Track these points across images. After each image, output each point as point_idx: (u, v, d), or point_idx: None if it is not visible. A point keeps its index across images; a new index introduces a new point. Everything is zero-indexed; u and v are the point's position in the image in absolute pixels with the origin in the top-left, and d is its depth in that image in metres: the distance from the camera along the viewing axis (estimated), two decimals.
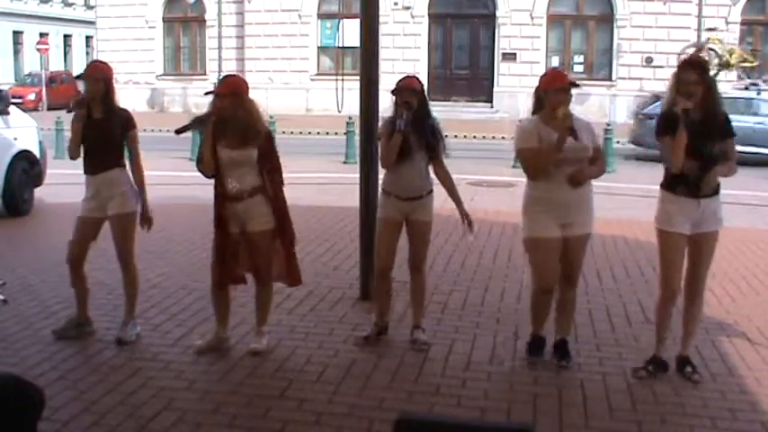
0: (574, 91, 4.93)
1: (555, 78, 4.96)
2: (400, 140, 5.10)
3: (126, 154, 5.43)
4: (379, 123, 5.79)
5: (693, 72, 4.70)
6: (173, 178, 12.40)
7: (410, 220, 5.32)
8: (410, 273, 5.53)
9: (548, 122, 4.80)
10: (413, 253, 5.43)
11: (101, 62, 5.85)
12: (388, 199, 5.32)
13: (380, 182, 5.52)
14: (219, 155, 5.00)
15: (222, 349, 5.25)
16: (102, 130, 5.28)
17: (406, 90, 5.20)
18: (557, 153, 4.72)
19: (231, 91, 5.04)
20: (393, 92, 5.22)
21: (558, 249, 4.93)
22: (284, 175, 5.29)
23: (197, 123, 5.08)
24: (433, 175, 5.39)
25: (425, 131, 5.24)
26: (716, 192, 4.82)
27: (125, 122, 5.38)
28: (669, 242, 4.85)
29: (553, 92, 4.80)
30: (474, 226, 5.44)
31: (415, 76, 5.48)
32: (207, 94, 5.25)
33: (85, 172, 5.42)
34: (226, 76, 5.47)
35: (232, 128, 4.98)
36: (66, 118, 5.78)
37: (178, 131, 5.21)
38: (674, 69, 4.85)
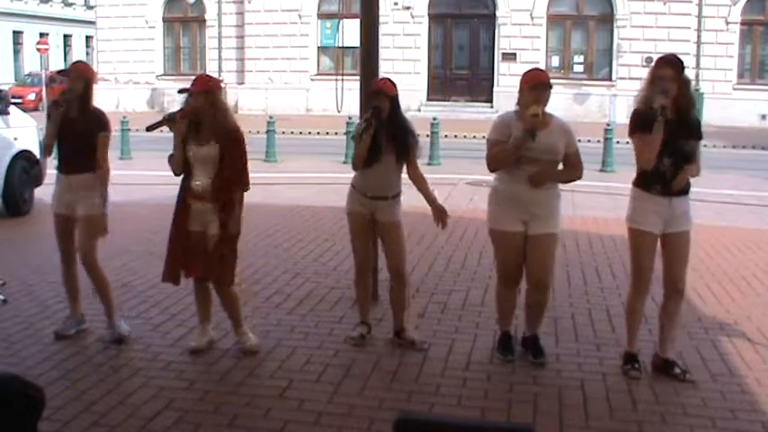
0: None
1: (532, 77, 4.96)
2: (368, 143, 5.12)
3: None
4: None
5: (670, 69, 4.72)
6: (172, 178, 12.38)
7: (377, 221, 5.33)
8: (390, 280, 5.51)
9: (521, 118, 4.84)
10: (388, 256, 5.42)
11: (82, 63, 5.92)
12: (354, 193, 5.36)
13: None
14: (188, 152, 5.03)
15: (209, 347, 5.25)
16: (76, 130, 5.32)
17: (379, 93, 5.23)
18: (515, 150, 4.76)
19: (204, 89, 5.05)
20: (368, 94, 5.25)
21: (519, 245, 4.95)
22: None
23: (167, 120, 5.11)
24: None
25: (396, 134, 5.24)
26: (686, 191, 4.85)
27: (97, 124, 5.39)
28: (641, 240, 4.87)
29: (527, 89, 4.84)
30: (447, 219, 5.39)
31: (388, 79, 5.45)
32: (180, 91, 5.30)
33: (58, 169, 5.47)
34: (199, 76, 5.50)
35: (202, 126, 5.01)
36: None
37: (149, 128, 5.26)
38: (651, 68, 4.86)
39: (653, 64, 4.87)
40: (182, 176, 5.17)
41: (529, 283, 5.11)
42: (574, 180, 5.15)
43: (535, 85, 4.84)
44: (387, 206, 5.30)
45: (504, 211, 4.97)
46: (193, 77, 5.20)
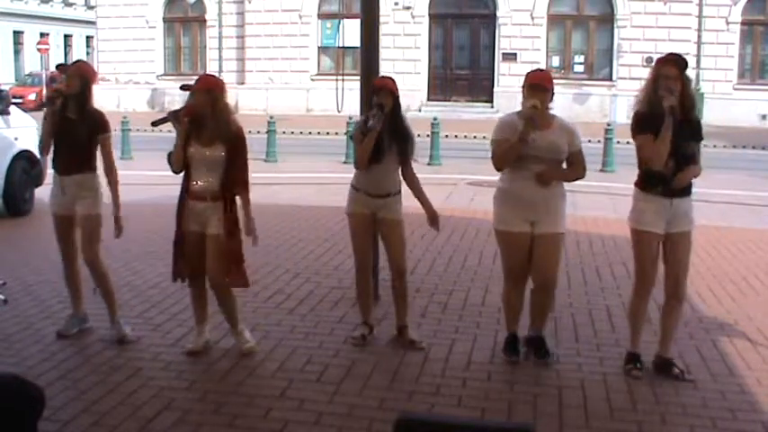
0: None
1: (533, 77, 4.98)
2: (374, 140, 5.12)
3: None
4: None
5: (675, 68, 4.71)
6: (172, 178, 12.38)
7: (379, 219, 5.34)
8: (391, 277, 5.53)
9: (522, 117, 4.86)
10: (390, 254, 5.44)
11: (84, 62, 5.89)
12: (357, 194, 5.36)
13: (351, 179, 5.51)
14: (189, 152, 5.03)
15: (206, 349, 5.25)
16: (73, 131, 5.31)
17: (383, 91, 5.23)
18: (520, 144, 4.75)
19: (205, 88, 5.05)
20: (371, 92, 5.26)
21: (526, 245, 4.96)
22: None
23: (173, 117, 5.11)
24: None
25: (397, 134, 5.27)
26: (688, 192, 4.85)
27: (96, 125, 5.37)
28: (643, 241, 4.88)
29: (529, 88, 4.86)
30: (438, 223, 5.46)
31: (390, 78, 5.47)
32: (182, 87, 5.30)
33: (54, 170, 5.47)
34: (202, 75, 5.49)
35: (204, 125, 5.00)
36: None
37: (154, 123, 5.29)
38: (653, 67, 4.85)
39: (655, 63, 4.85)
40: (182, 176, 5.17)
41: (534, 283, 5.12)
42: (577, 179, 5.15)
43: (533, 85, 4.85)
44: (389, 204, 5.31)
45: (509, 212, 4.97)
46: (195, 77, 5.20)
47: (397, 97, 5.30)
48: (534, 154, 4.81)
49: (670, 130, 4.60)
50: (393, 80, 5.39)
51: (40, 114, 5.55)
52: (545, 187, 4.88)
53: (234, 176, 5.03)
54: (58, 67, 5.87)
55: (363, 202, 5.33)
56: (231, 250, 5.08)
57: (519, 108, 5.02)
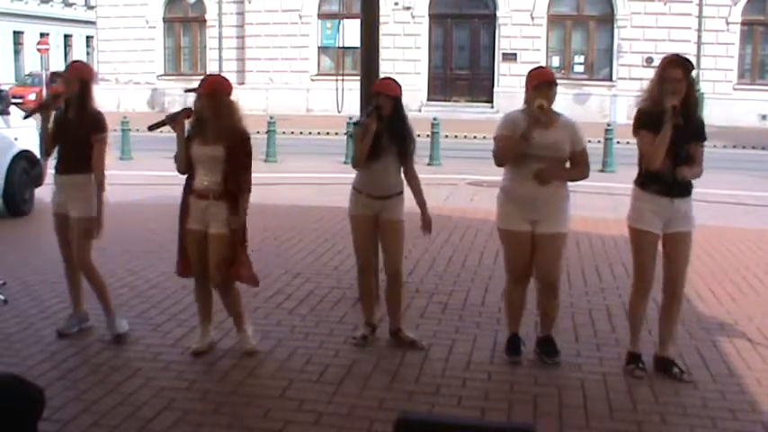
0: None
1: (535, 76, 4.98)
2: (371, 141, 5.12)
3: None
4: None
5: (679, 69, 4.71)
6: (172, 178, 12.37)
7: (381, 219, 5.33)
8: (387, 279, 5.49)
9: (527, 112, 4.86)
10: (387, 255, 5.42)
11: (80, 62, 5.89)
12: (358, 196, 5.36)
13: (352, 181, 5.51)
14: (192, 152, 5.06)
15: (211, 349, 5.26)
16: (71, 131, 5.32)
17: (380, 94, 5.24)
18: (523, 141, 4.76)
19: (210, 91, 5.04)
20: (371, 94, 5.27)
21: (527, 244, 4.96)
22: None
23: (169, 120, 5.14)
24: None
25: (398, 134, 5.27)
26: (688, 192, 4.85)
27: (94, 125, 5.37)
28: (642, 240, 4.88)
29: (531, 89, 4.86)
30: (431, 229, 5.47)
31: (392, 79, 5.46)
32: (187, 91, 5.31)
33: (55, 170, 5.50)
34: (208, 76, 5.48)
35: (206, 126, 5.02)
36: None
37: (151, 128, 5.29)
38: (658, 66, 4.84)
39: (660, 64, 4.82)
40: (185, 175, 5.19)
41: (538, 283, 5.13)
42: (580, 179, 5.12)
43: (538, 84, 4.85)
44: (391, 204, 5.31)
45: (512, 211, 4.97)
46: (194, 77, 5.21)
47: (397, 98, 5.29)
48: (535, 153, 4.81)
49: (670, 129, 4.61)
50: (394, 81, 5.39)
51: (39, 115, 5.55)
52: (545, 186, 4.88)
53: (234, 177, 5.03)
54: (53, 75, 5.87)
55: (365, 204, 5.33)
56: (236, 249, 5.09)
57: (520, 107, 5.02)
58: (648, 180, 4.81)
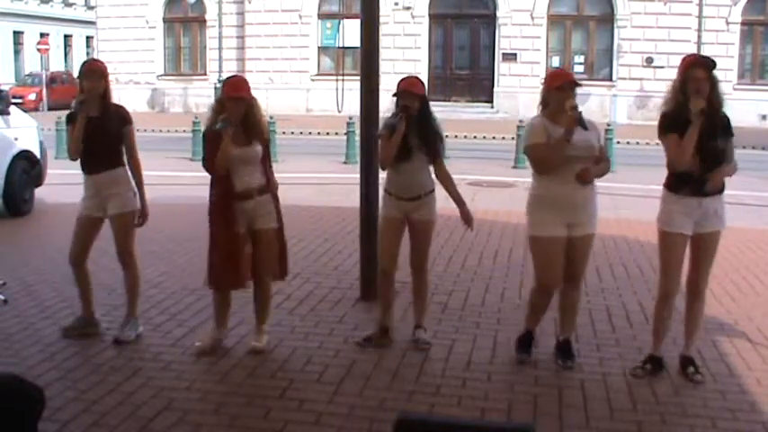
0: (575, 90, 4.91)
1: (558, 76, 5.00)
2: (398, 141, 5.11)
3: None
4: (380, 124, 5.80)
5: (702, 69, 4.71)
6: (173, 178, 12.37)
7: (411, 219, 5.34)
8: (412, 272, 5.54)
9: (553, 119, 4.82)
10: (414, 252, 5.45)
11: (98, 60, 5.89)
12: (389, 198, 5.36)
13: (382, 182, 5.53)
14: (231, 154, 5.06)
15: (218, 350, 5.25)
16: (100, 129, 5.30)
17: (407, 93, 5.21)
18: (566, 144, 4.71)
19: (237, 95, 5.07)
20: (395, 94, 5.24)
21: (563, 249, 4.92)
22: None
23: (224, 123, 4.98)
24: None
25: (426, 133, 5.24)
26: (720, 191, 4.84)
27: (121, 119, 5.42)
28: (670, 243, 4.85)
29: (556, 89, 4.82)
30: (473, 225, 5.45)
31: (416, 77, 5.47)
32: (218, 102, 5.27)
33: (85, 171, 5.42)
34: (233, 78, 5.46)
35: (241, 126, 5.05)
36: None
37: (207, 132, 5.16)
38: (679, 68, 4.83)
39: (681, 65, 4.79)
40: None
41: (565, 283, 5.05)
42: (606, 173, 5.12)
43: (562, 85, 4.82)
44: (423, 205, 5.31)
45: (548, 216, 4.88)
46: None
47: (424, 97, 5.28)
48: (575, 154, 4.76)
49: (697, 132, 4.59)
50: (418, 79, 5.39)
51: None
52: (585, 187, 4.86)
53: (269, 171, 5.25)
54: (78, 77, 5.64)
55: (395, 206, 5.33)
56: (282, 243, 5.36)
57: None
58: (676, 182, 4.79)
